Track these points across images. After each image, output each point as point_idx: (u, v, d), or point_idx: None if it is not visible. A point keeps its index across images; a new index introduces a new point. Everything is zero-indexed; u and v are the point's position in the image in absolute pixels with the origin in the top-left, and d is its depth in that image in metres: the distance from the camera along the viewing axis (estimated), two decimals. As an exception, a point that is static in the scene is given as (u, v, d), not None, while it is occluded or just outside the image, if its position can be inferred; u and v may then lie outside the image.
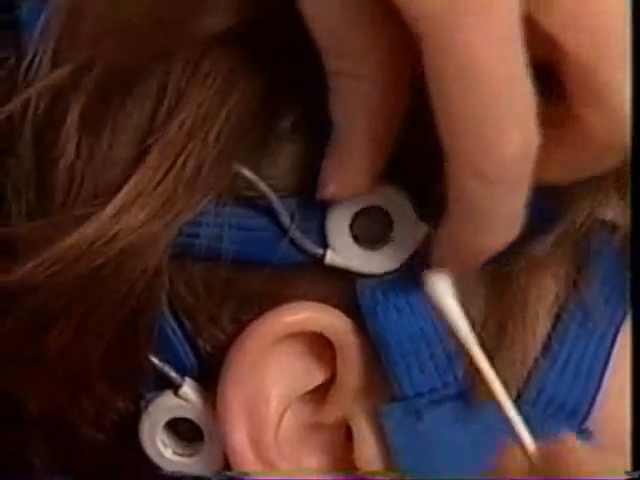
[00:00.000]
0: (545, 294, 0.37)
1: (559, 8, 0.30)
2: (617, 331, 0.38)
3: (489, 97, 0.30)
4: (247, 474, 0.37)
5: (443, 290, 0.34)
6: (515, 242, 0.33)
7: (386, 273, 0.36)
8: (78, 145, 0.35)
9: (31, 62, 0.35)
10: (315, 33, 0.32)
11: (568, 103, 0.32)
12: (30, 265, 0.34)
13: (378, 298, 0.36)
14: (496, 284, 0.37)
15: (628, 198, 0.36)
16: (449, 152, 0.31)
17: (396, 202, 0.36)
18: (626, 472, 0.32)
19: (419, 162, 0.35)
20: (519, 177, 0.31)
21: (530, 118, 0.30)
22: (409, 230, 0.36)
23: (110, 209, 0.34)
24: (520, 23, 0.30)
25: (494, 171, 0.30)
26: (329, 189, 0.35)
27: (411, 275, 0.36)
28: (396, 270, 0.36)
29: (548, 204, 0.36)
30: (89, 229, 0.34)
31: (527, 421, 0.34)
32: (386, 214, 0.36)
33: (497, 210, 0.32)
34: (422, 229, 0.36)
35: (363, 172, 0.34)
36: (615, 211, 0.37)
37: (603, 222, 0.37)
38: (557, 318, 0.37)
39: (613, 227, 0.37)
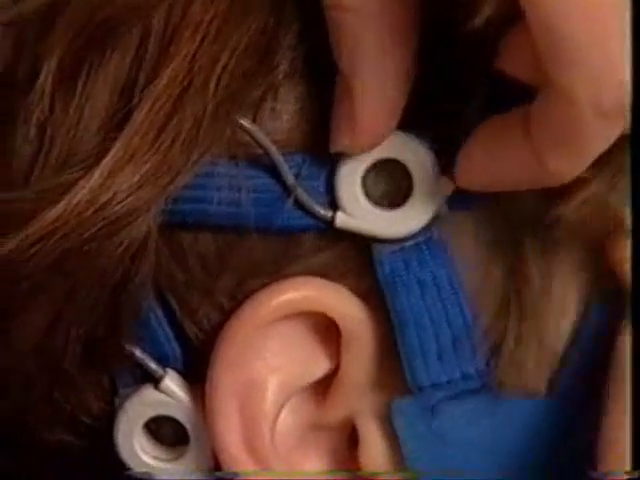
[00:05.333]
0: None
1: None
2: None
3: (606, 15, 0.27)
4: (239, 475, 0.33)
5: None
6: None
7: (405, 238, 0.33)
8: (52, 100, 0.31)
9: None
10: None
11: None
12: (14, 241, 0.30)
13: (398, 269, 0.33)
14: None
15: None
16: (553, 88, 0.28)
17: (415, 154, 0.32)
18: (626, 472, 0.31)
19: (439, 106, 0.32)
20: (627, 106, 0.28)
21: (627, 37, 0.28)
22: (431, 186, 0.32)
23: (98, 173, 0.31)
24: None
25: (611, 100, 0.28)
26: (342, 141, 0.32)
27: (435, 243, 0.33)
28: (417, 235, 0.33)
29: None
30: (78, 197, 0.30)
31: None
32: (404, 168, 0.32)
33: (598, 146, 0.29)
34: (446, 185, 0.32)
35: (380, 119, 0.31)
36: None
37: None
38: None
39: None
